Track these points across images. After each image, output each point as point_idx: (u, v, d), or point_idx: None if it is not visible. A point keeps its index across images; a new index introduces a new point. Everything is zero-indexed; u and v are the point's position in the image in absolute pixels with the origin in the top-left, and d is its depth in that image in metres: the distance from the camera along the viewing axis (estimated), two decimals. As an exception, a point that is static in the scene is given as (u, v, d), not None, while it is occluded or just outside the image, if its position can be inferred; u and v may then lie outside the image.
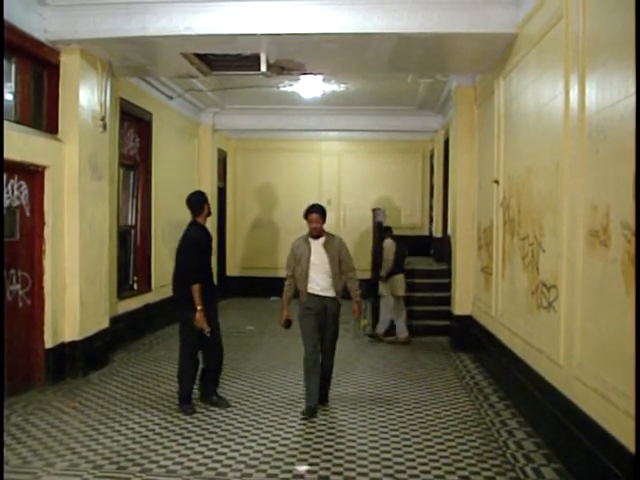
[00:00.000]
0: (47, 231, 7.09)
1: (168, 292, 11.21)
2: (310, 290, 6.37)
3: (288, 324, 6.50)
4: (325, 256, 6.37)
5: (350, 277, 6.51)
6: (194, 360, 6.45)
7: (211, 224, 13.05)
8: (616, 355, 4.00)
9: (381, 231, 10.75)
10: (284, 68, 8.06)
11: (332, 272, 6.36)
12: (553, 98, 5.44)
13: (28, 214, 6.91)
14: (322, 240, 6.42)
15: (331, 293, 6.40)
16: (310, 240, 6.43)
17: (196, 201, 6.53)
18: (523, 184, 6.44)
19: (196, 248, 6.32)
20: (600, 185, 4.34)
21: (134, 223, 10.23)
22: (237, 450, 5.30)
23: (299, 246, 6.46)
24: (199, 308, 6.11)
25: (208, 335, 6.21)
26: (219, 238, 14.30)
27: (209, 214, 6.63)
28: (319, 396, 6.40)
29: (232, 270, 15.43)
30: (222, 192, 14.92)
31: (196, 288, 6.14)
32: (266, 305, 14.11)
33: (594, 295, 4.45)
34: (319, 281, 6.36)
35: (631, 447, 3.66)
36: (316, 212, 6.39)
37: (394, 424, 6.03)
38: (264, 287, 14.88)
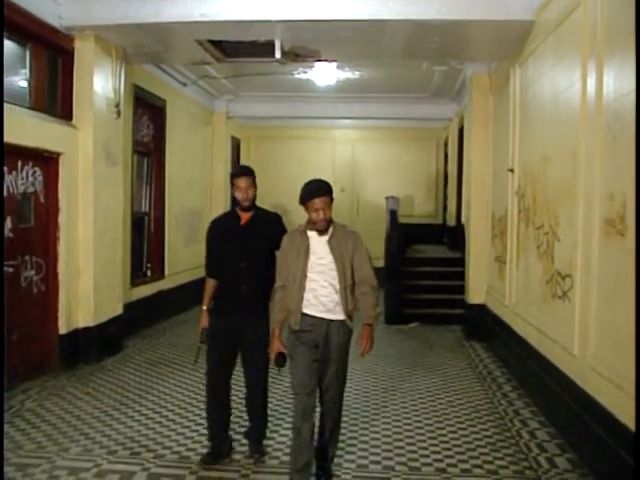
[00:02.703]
0: (61, 217, 7.12)
1: (181, 279, 11.38)
2: (306, 309, 4.25)
3: (282, 360, 4.33)
4: (331, 258, 4.25)
5: (365, 292, 4.33)
6: (215, 398, 4.91)
7: (224, 211, 13.16)
8: (631, 345, 3.96)
9: (394, 219, 10.71)
10: (298, 55, 8.02)
11: (341, 283, 4.25)
12: (570, 86, 5.38)
13: (42, 200, 6.93)
14: (328, 235, 4.31)
15: (338, 315, 4.27)
16: (309, 234, 4.32)
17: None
18: (539, 173, 6.39)
19: (207, 238, 5.09)
20: (617, 173, 4.30)
21: (148, 210, 10.24)
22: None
23: (293, 242, 4.34)
24: (203, 308, 4.90)
25: (199, 346, 4.92)
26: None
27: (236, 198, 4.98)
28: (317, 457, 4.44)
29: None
30: (235, 180, 14.89)
31: (207, 282, 4.95)
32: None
33: (610, 285, 4.41)
34: (321, 297, 4.25)
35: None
36: (322, 194, 4.24)
37: (407, 413, 6.02)
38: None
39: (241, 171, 5.05)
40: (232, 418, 5.11)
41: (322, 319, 4.26)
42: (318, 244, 4.29)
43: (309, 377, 4.24)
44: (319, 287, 4.25)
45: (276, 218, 5.07)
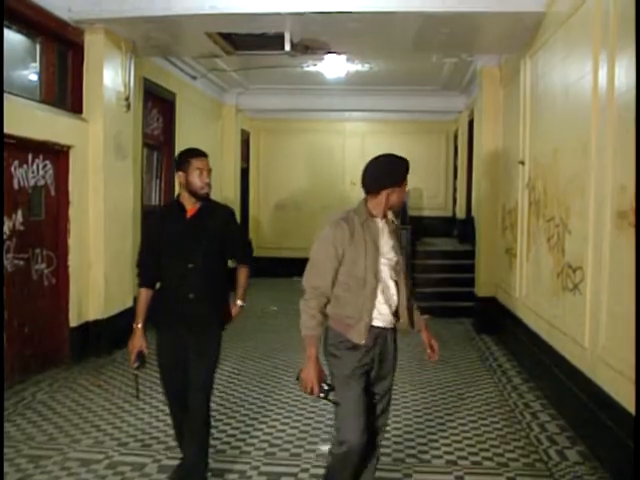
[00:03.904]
0: (72, 210, 7.14)
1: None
2: (376, 321, 3.49)
3: (327, 392, 3.46)
4: (397, 252, 3.62)
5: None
6: (173, 406, 4.25)
7: (235, 204, 13.21)
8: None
9: (404, 212, 10.69)
10: (308, 47, 8.00)
11: (408, 285, 3.68)
12: (581, 78, 5.34)
13: (53, 193, 6.95)
14: (387, 222, 3.64)
15: (393, 322, 3.61)
16: (375, 222, 3.55)
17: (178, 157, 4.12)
18: (549, 165, 6.36)
19: (145, 235, 4.39)
20: (629, 165, 4.27)
21: (158, 203, 10.26)
22: (260, 429, 5.33)
23: (354, 233, 3.44)
24: (134, 326, 4.07)
25: (135, 374, 4.23)
26: (242, 219, 14.34)
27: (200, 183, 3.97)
28: None
29: (256, 251, 15.31)
30: (245, 173, 14.93)
31: (139, 294, 4.11)
32: (290, 285, 14.13)
33: (621, 277, 4.39)
34: (392, 303, 3.56)
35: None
36: (406, 168, 3.58)
37: (417, 405, 6.02)
38: (287, 267, 14.90)
39: (199, 151, 4.08)
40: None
41: (385, 329, 3.56)
42: (386, 236, 3.59)
43: (363, 411, 3.46)
44: (391, 290, 3.55)
45: (229, 212, 4.21)
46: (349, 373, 3.44)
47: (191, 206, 3.99)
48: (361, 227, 3.47)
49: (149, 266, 4.05)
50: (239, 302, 4.28)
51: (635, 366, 3.80)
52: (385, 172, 3.53)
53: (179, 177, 4.00)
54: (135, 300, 4.20)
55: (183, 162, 3.98)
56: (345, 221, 3.46)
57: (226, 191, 13.29)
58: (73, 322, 7.24)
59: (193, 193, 3.95)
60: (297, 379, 3.50)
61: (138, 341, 4.03)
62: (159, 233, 4.02)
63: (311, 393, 3.41)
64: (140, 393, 4.70)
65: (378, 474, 3.98)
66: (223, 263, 4.12)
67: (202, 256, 3.94)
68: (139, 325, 4.03)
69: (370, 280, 3.43)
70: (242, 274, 4.31)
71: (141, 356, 4.02)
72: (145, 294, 4.06)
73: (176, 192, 4.17)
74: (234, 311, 4.24)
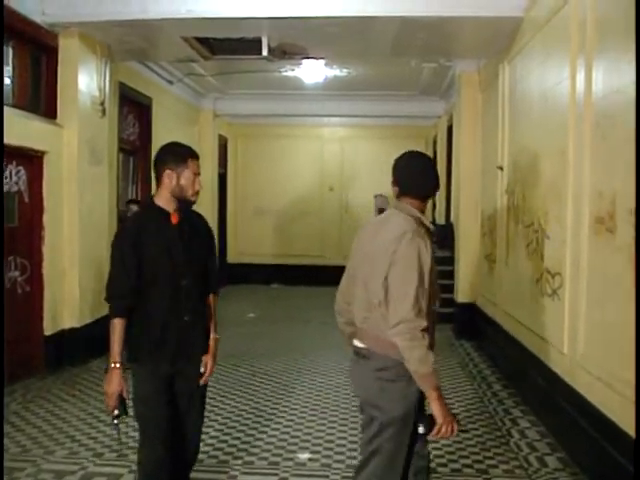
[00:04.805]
0: (46, 217, 7.03)
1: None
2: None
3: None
4: None
5: None
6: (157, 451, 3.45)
7: (212, 210, 13.14)
8: (621, 343, 3.94)
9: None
10: (286, 52, 7.97)
11: None
12: (559, 83, 5.35)
13: (27, 200, 6.85)
14: None
15: None
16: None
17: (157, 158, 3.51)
18: (528, 170, 6.36)
19: (120, 252, 3.37)
20: (607, 171, 4.27)
21: (134, 209, 10.14)
22: (238, 438, 5.26)
23: (426, 246, 2.98)
24: (112, 365, 3.27)
25: (116, 422, 3.44)
26: (220, 225, 14.26)
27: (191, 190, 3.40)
28: None
29: (233, 257, 15.35)
30: (223, 178, 14.84)
31: (115, 326, 3.28)
32: (267, 292, 14.11)
33: (599, 283, 4.39)
34: None
35: (635, 435, 3.63)
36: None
37: (396, 412, 5.98)
38: (265, 274, 14.88)
39: (195, 151, 3.48)
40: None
41: None
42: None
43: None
44: None
45: (208, 225, 3.66)
46: (412, 417, 3.04)
47: (173, 211, 3.38)
48: (426, 238, 3.04)
49: (128, 291, 3.28)
50: (215, 335, 3.67)
51: (636, 375, 3.78)
52: (435, 175, 3.26)
53: (168, 176, 3.34)
54: (106, 328, 3.36)
55: (178, 160, 3.35)
56: (422, 235, 3.01)
57: (203, 196, 13.17)
58: (48, 330, 7.12)
59: (181, 198, 3.36)
60: (427, 431, 2.97)
61: (118, 384, 3.27)
62: (138, 245, 3.29)
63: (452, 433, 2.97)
64: (124, 445, 4.18)
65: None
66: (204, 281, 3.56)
67: (195, 270, 3.42)
68: (117, 365, 3.26)
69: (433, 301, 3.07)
70: (214, 302, 3.68)
71: (122, 402, 3.34)
72: (122, 325, 3.26)
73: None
74: (212, 344, 3.62)
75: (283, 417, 5.78)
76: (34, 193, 6.94)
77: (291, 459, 4.84)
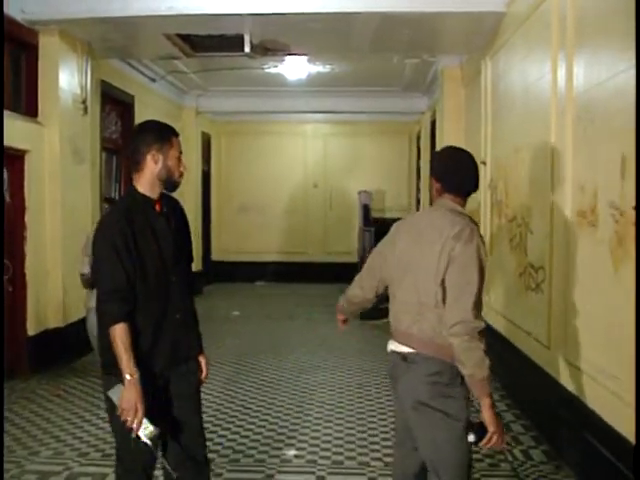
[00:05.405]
0: (28, 217, 6.97)
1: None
2: None
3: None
4: None
5: None
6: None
7: (196, 208, 13.10)
8: (604, 336, 3.97)
9: (367, 214, 10.70)
10: (268, 49, 7.96)
11: None
12: (540, 78, 5.37)
13: (8, 199, 6.78)
14: None
15: None
16: None
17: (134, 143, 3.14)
18: (511, 165, 6.39)
19: (111, 245, 2.87)
20: (588, 165, 4.29)
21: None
22: (224, 436, 5.26)
23: (484, 244, 2.92)
24: (128, 378, 2.80)
25: (133, 442, 2.86)
26: (204, 222, 14.22)
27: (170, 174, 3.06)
28: None
29: (217, 254, 15.32)
30: (207, 175, 14.79)
31: (117, 333, 2.81)
32: (252, 290, 14.10)
33: (582, 276, 4.41)
34: None
35: (619, 428, 3.66)
36: None
37: (382, 408, 5.99)
38: (250, 271, 14.86)
39: (175, 129, 3.20)
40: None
41: None
42: None
43: None
44: None
45: (182, 206, 3.29)
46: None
47: (156, 198, 3.04)
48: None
49: (127, 289, 2.86)
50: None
51: (636, 376, 3.80)
52: (477, 172, 3.19)
53: (153, 157, 2.98)
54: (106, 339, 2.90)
55: (164, 139, 3.04)
56: (478, 231, 2.93)
57: (187, 194, 13.14)
58: (31, 330, 7.07)
59: (167, 181, 3.04)
60: (477, 439, 2.87)
61: (139, 396, 2.81)
62: (130, 238, 2.89)
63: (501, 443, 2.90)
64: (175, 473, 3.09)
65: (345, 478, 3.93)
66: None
67: (182, 264, 3.12)
68: (135, 375, 2.80)
69: None
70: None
71: (154, 432, 2.84)
72: (126, 331, 2.81)
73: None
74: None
75: (269, 414, 5.78)
76: (16, 193, 6.88)
77: (277, 456, 4.84)
